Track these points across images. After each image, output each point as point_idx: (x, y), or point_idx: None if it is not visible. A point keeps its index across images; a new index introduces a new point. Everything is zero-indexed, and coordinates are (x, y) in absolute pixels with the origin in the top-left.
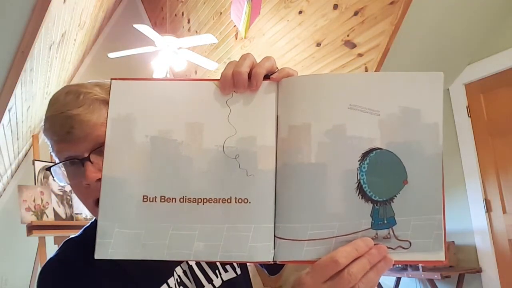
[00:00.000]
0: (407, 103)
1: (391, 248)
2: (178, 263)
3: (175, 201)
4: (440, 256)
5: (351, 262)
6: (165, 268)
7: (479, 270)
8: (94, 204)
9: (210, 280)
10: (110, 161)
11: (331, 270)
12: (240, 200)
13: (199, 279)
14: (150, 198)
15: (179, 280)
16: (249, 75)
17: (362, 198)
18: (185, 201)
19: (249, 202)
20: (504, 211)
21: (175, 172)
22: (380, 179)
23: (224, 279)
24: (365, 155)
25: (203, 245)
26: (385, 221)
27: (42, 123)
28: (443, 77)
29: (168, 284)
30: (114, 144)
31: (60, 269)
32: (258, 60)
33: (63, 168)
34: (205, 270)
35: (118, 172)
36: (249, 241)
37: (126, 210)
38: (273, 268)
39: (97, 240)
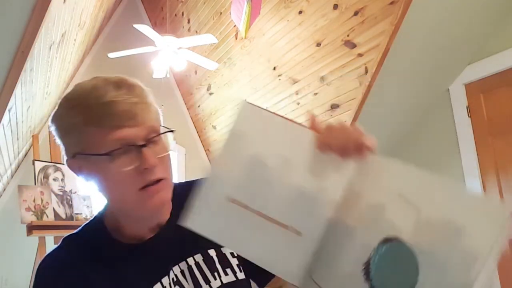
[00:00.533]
0: (455, 217)
1: None
2: (175, 262)
3: (253, 212)
4: None
5: None
6: (159, 268)
7: None
8: (137, 190)
9: (208, 281)
10: (219, 162)
11: None
12: (294, 230)
13: (197, 279)
14: (236, 201)
15: (175, 279)
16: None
17: (364, 275)
18: (259, 215)
19: (301, 235)
20: None
21: (262, 190)
22: (389, 270)
23: (224, 281)
24: (387, 240)
25: (253, 247)
26: None
27: (73, 111)
28: (506, 214)
29: (161, 283)
30: (227, 151)
31: (58, 267)
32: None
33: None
34: (204, 272)
35: (221, 172)
36: (287, 262)
37: (216, 201)
38: (261, 279)
39: (190, 214)
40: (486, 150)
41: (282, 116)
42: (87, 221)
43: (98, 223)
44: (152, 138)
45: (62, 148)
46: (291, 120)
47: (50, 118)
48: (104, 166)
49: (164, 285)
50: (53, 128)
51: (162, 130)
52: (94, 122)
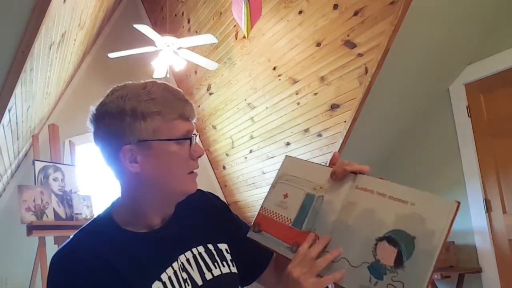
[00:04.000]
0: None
1: None
2: (182, 251)
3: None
4: None
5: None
6: (169, 253)
7: (479, 270)
8: (186, 174)
9: (209, 269)
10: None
11: (298, 254)
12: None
13: (200, 266)
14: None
15: (182, 266)
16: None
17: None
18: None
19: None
20: (504, 211)
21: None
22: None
23: (223, 272)
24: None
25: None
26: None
27: (157, 101)
28: (452, 205)
29: (172, 268)
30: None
31: (79, 255)
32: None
33: (169, 144)
34: (206, 261)
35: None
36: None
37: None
38: (245, 280)
39: None
40: (486, 150)
41: (313, 162)
42: (94, 218)
43: (106, 218)
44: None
45: (120, 135)
46: (314, 163)
47: (113, 106)
48: (172, 150)
49: (175, 269)
50: (122, 115)
51: None
52: (173, 113)
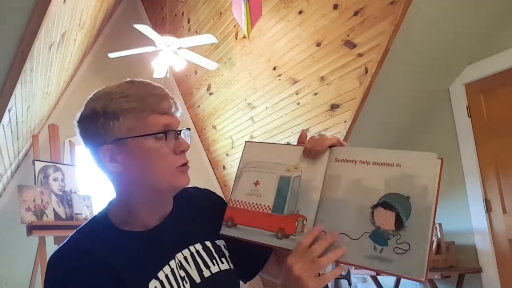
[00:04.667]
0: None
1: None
2: (179, 249)
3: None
4: (420, 276)
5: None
6: (166, 252)
7: (479, 270)
8: (175, 168)
9: (207, 267)
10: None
11: (299, 249)
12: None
13: (198, 264)
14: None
15: (179, 264)
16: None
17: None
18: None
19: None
20: (504, 211)
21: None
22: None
23: (221, 268)
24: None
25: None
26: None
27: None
28: (436, 157)
29: (170, 266)
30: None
31: (77, 256)
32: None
33: (150, 140)
34: (204, 258)
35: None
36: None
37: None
38: (246, 276)
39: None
40: (486, 150)
41: (275, 143)
42: (90, 219)
43: (102, 218)
44: (182, 129)
45: (97, 136)
46: (280, 144)
47: (87, 108)
48: (151, 146)
49: (172, 267)
50: (93, 116)
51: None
52: (147, 108)
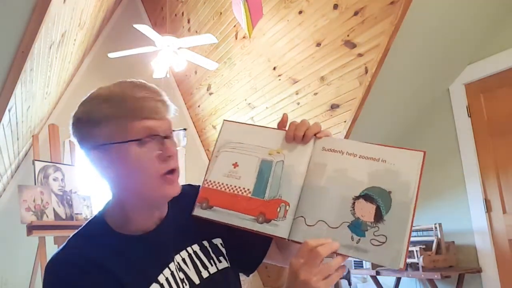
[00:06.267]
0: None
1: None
2: (177, 251)
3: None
4: (397, 264)
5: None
6: (164, 255)
7: (479, 270)
8: (160, 176)
9: (206, 267)
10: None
11: (305, 249)
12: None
13: (196, 265)
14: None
15: (178, 266)
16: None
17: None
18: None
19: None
20: (504, 211)
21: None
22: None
23: (219, 268)
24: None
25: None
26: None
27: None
28: (422, 155)
29: (169, 269)
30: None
31: (74, 261)
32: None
33: (134, 146)
34: (201, 259)
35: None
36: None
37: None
38: (248, 269)
39: None
40: (486, 150)
41: (253, 125)
42: (87, 221)
43: (99, 221)
44: (171, 132)
45: (84, 141)
46: (263, 127)
47: (74, 114)
48: (132, 152)
49: (172, 270)
50: (78, 122)
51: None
52: (127, 113)
